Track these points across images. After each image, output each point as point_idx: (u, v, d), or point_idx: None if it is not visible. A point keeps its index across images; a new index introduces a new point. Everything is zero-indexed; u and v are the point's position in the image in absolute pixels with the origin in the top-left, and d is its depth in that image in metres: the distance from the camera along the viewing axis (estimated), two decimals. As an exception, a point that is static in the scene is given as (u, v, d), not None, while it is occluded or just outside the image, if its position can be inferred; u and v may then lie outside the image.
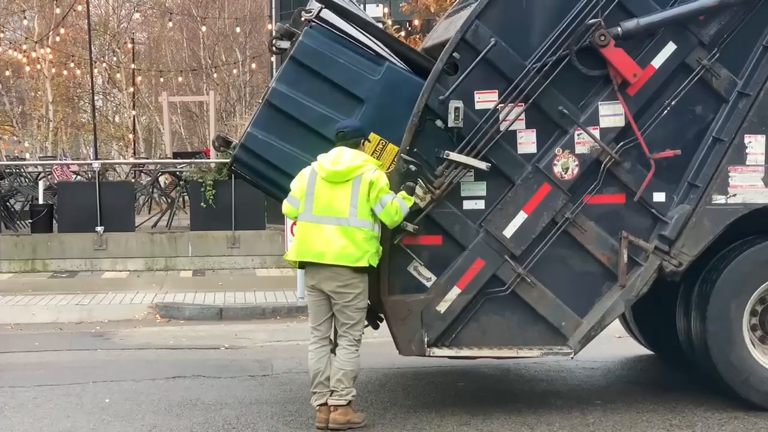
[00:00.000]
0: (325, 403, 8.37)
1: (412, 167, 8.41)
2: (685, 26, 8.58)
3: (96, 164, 20.94)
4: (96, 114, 33.41)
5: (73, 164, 28.00)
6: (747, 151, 8.62)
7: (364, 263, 8.17)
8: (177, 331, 13.87)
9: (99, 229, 19.41)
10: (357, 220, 8.17)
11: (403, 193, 8.29)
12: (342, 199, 8.20)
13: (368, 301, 8.51)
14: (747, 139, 8.61)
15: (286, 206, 8.61)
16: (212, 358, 11.71)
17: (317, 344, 8.47)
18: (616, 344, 11.56)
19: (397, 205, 8.18)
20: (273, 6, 28.27)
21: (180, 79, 44.31)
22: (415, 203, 8.38)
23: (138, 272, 19.28)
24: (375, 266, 8.28)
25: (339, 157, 8.23)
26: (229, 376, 10.57)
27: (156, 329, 14.06)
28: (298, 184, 8.42)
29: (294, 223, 14.14)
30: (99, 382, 10.34)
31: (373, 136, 8.56)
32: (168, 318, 14.86)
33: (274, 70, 22.79)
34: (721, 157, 8.62)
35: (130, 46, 41.78)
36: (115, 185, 21.89)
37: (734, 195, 8.63)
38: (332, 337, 8.56)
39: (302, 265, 8.46)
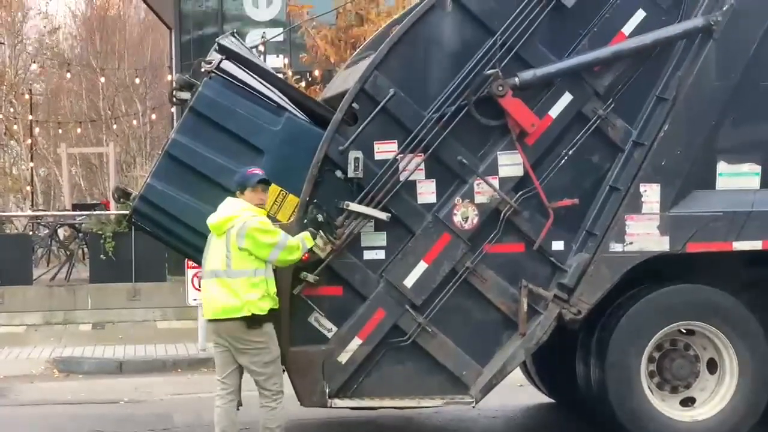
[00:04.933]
0: None
1: (320, 217, 8.32)
2: (581, 77, 8.71)
3: (-8, 216, 20.62)
4: (-8, 166, 32.92)
5: (-32, 217, 27.47)
6: (642, 199, 8.74)
7: (245, 312, 7.98)
8: (75, 385, 13.61)
9: (-6, 282, 19.01)
10: (232, 271, 8.04)
11: (305, 233, 8.22)
12: (219, 251, 8.11)
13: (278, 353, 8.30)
14: (642, 187, 8.73)
15: None
16: (111, 413, 11.49)
17: (224, 399, 8.27)
18: (517, 393, 11.58)
19: (294, 243, 8.09)
20: (173, 56, 28.11)
21: (79, 130, 43.77)
22: (315, 254, 8.34)
23: (36, 326, 18.84)
24: (262, 314, 8.04)
25: (219, 209, 8.21)
26: (128, 431, 10.38)
27: (54, 384, 13.78)
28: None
29: (195, 275, 14.30)
30: (-7, 440, 10.12)
31: (273, 188, 8.50)
32: (66, 372, 14.55)
33: (175, 121, 22.66)
34: (617, 205, 8.74)
35: (27, 97, 41.21)
36: (12, 238, 21.57)
37: (631, 243, 8.74)
38: (239, 391, 8.39)
39: None
